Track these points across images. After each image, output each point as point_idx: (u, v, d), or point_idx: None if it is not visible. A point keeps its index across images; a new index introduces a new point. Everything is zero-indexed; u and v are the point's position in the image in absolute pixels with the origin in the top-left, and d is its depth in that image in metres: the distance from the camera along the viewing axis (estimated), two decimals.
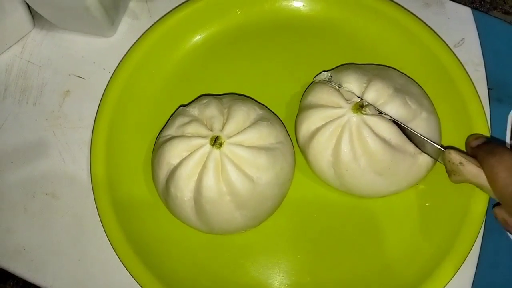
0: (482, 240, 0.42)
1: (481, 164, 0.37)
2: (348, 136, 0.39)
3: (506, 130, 0.45)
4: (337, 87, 0.42)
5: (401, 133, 0.40)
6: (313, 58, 0.47)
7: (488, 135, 0.43)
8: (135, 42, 0.47)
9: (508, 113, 0.46)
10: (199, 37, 0.49)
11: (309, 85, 0.45)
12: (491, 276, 0.41)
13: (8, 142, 0.47)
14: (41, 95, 0.48)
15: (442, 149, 0.39)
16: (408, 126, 0.40)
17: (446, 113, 0.44)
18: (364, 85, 0.41)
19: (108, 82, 0.46)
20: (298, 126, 0.42)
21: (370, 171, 0.40)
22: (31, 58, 0.50)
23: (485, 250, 0.42)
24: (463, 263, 0.40)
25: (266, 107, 0.44)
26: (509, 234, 0.42)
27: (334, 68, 0.46)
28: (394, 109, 0.40)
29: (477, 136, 0.41)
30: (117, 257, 0.41)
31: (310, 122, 0.41)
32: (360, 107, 0.39)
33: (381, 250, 0.42)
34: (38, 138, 0.47)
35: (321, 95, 0.42)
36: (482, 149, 0.38)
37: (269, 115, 0.43)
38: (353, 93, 0.41)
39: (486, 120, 0.43)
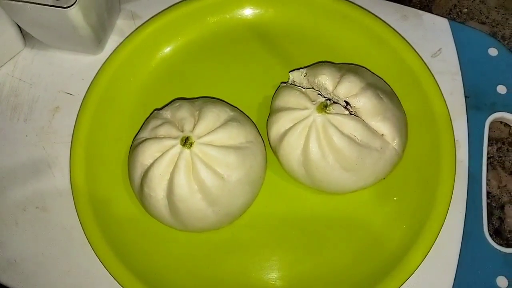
0: (460, 245, 0.43)
1: None
2: (315, 135, 0.41)
3: (483, 137, 0.46)
4: (303, 89, 0.43)
5: (367, 129, 0.41)
6: (284, 62, 0.49)
7: (452, 140, 0.44)
8: (111, 54, 0.49)
9: (485, 121, 0.47)
10: (172, 46, 0.51)
11: (277, 89, 0.46)
12: (470, 281, 0.42)
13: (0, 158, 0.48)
14: (31, 112, 0.50)
15: None
16: (379, 119, 0.42)
17: (413, 115, 0.46)
18: (337, 79, 0.43)
19: (86, 92, 0.48)
20: (269, 129, 0.43)
21: (339, 167, 0.41)
22: (22, 76, 0.51)
23: (464, 255, 0.42)
24: (430, 248, 0.41)
25: (238, 109, 0.46)
26: (488, 238, 0.43)
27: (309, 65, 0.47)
28: (367, 98, 0.41)
29: None
30: (104, 267, 0.42)
31: (279, 125, 0.42)
32: (324, 106, 0.41)
33: (353, 242, 0.43)
34: (29, 153, 0.48)
35: (288, 98, 0.43)
36: None
37: (240, 116, 0.44)
38: (318, 91, 0.42)
39: (451, 126, 0.45)
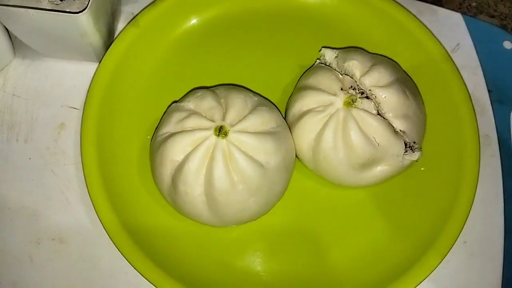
0: (504, 240, 0.43)
1: None
2: (334, 125, 0.40)
3: (510, 130, 0.47)
4: (340, 75, 0.42)
5: (390, 133, 0.40)
6: (302, 48, 0.47)
7: (476, 141, 0.43)
8: (112, 42, 0.45)
9: (509, 114, 0.47)
10: (178, 33, 0.48)
11: (312, 65, 0.45)
12: None
13: (0, 186, 0.42)
14: (32, 131, 0.44)
15: None
16: (402, 117, 0.40)
17: (434, 114, 0.45)
18: (367, 68, 0.41)
19: (90, 83, 0.44)
20: (292, 104, 0.42)
21: (346, 163, 0.40)
22: (16, 91, 0.45)
23: (509, 249, 0.43)
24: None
25: (258, 93, 0.44)
26: None
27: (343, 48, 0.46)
28: (393, 93, 0.40)
29: None
30: None
31: (303, 103, 0.41)
32: (352, 101, 0.40)
33: (372, 235, 0.42)
34: (35, 178, 0.43)
35: (322, 79, 0.42)
36: None
37: (263, 100, 0.43)
38: (354, 80, 0.41)
39: (476, 123, 0.44)
